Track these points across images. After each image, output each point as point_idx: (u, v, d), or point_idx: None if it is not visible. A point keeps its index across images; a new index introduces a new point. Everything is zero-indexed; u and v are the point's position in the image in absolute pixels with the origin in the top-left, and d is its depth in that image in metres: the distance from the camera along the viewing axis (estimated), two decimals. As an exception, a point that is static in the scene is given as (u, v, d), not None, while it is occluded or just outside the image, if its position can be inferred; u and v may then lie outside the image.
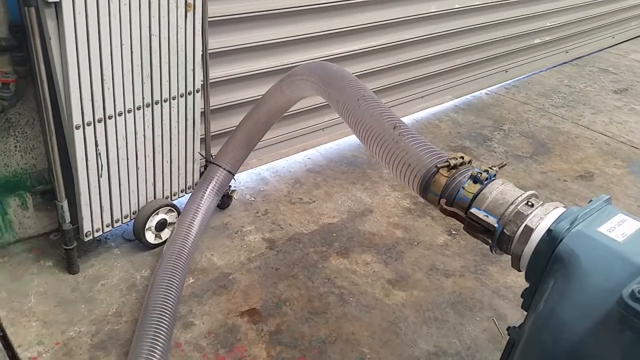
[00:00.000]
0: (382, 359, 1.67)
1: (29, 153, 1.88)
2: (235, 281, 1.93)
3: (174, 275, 1.71)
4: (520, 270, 1.09)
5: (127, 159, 1.86)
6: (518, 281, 2.01)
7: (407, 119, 3.23)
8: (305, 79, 1.82)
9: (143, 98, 1.82)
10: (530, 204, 1.10)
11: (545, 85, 4.01)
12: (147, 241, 2.00)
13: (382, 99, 2.93)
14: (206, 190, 2.09)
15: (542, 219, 1.04)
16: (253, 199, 2.42)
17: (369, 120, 1.53)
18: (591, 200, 1.04)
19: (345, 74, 1.75)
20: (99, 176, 1.80)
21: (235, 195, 2.31)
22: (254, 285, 1.92)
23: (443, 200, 1.24)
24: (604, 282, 0.87)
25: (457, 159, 1.29)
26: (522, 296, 1.06)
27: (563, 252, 0.95)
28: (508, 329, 1.09)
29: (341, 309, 1.86)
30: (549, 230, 1.00)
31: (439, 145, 3.05)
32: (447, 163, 1.28)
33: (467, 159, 1.31)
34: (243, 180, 2.54)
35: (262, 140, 2.21)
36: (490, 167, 1.24)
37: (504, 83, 3.96)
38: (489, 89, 3.84)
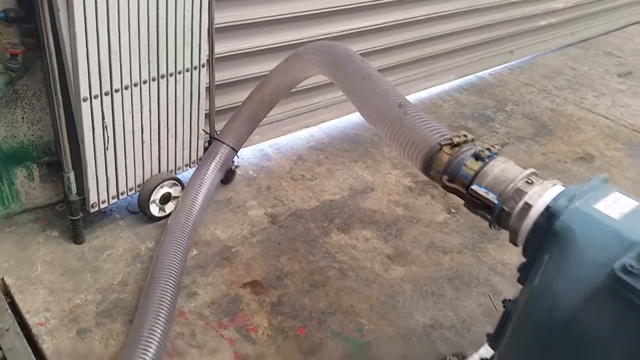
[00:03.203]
0: (380, 329, 1.72)
1: (36, 124, 1.90)
2: (238, 254, 1.97)
3: (178, 247, 1.74)
4: (517, 246, 1.12)
5: (133, 132, 1.88)
6: (514, 259, 2.05)
7: (410, 98, 3.23)
8: (311, 59, 1.83)
9: (149, 71, 1.83)
10: (530, 181, 1.13)
11: (550, 67, 4.00)
12: (151, 214, 2.03)
13: (385, 77, 2.94)
14: (210, 165, 2.12)
15: (541, 196, 1.07)
16: (256, 174, 2.45)
17: (374, 98, 1.55)
18: (590, 180, 1.07)
19: (351, 53, 1.75)
20: (105, 148, 1.82)
21: (238, 171, 2.34)
22: (256, 258, 1.96)
23: (445, 177, 1.27)
24: (599, 256, 0.90)
25: (460, 137, 1.31)
26: (518, 270, 1.09)
27: (560, 228, 0.97)
28: (504, 301, 1.12)
29: (341, 282, 1.90)
30: (547, 207, 1.02)
31: (440, 116, 3.07)
32: (451, 141, 1.30)
33: (470, 137, 1.33)
34: (246, 156, 2.56)
35: (265, 117, 2.23)
36: (492, 146, 1.26)
37: (508, 64, 3.95)
38: (493, 69, 3.84)
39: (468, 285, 1.92)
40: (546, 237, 1.00)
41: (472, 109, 3.28)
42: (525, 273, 1.05)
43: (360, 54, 1.78)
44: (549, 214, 1.01)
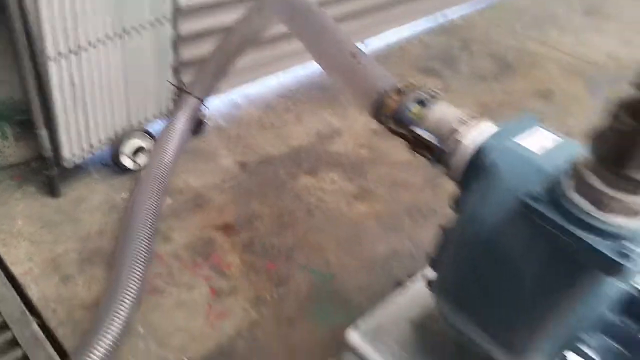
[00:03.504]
0: (345, 263, 1.87)
1: (6, 84, 1.93)
2: (211, 200, 2.08)
3: (151, 194, 1.84)
4: (456, 181, 1.24)
5: (102, 87, 1.93)
6: (472, 195, 2.19)
7: (377, 41, 3.26)
8: (270, 10, 1.87)
9: (114, 27, 1.85)
10: (465, 122, 1.23)
11: (518, 7, 4.03)
12: (123, 165, 2.11)
13: (352, 21, 2.95)
14: (179, 117, 2.17)
15: (473, 136, 1.17)
16: (226, 124, 2.52)
17: (329, 49, 1.62)
18: (518, 118, 1.17)
19: (308, 4, 1.80)
20: (75, 105, 1.87)
21: (208, 121, 2.40)
22: (228, 204, 2.07)
23: (392, 122, 1.36)
24: (518, 187, 1.01)
25: (407, 84, 1.40)
26: (454, 202, 1.21)
27: (487, 163, 1.09)
28: (441, 226, 1.25)
29: (308, 222, 2.03)
30: (478, 145, 1.13)
31: (407, 67, 3.13)
32: (397, 88, 1.39)
33: (416, 85, 1.42)
34: (215, 106, 2.61)
35: (233, 66, 2.27)
36: (434, 91, 1.35)
37: (477, 6, 3.96)
38: (461, 12, 3.85)
39: (425, 218, 2.07)
40: (476, 172, 1.11)
41: (439, 50, 3.33)
42: (458, 203, 1.17)
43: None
44: (479, 151, 1.12)
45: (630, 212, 0.84)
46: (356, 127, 2.57)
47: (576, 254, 0.87)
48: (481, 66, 3.19)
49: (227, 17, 2.37)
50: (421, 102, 1.32)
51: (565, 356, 1.10)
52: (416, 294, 1.48)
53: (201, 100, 2.25)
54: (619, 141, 0.80)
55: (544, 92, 2.97)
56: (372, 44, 3.19)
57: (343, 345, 1.38)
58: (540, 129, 1.15)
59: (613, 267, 0.83)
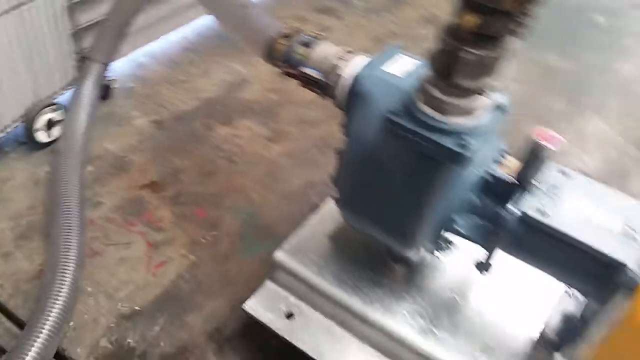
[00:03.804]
0: (267, 198, 2.07)
1: None
2: (131, 162, 2.18)
3: (71, 162, 1.92)
4: (342, 109, 1.44)
5: (2, 64, 1.94)
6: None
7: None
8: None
9: (8, 1, 1.85)
10: (343, 58, 1.42)
11: None
12: (39, 141, 2.15)
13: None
14: (85, 84, 2.21)
15: (351, 69, 1.37)
16: (134, 85, 2.57)
17: (221, 2, 1.73)
18: (384, 49, 1.38)
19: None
20: (-25, 87, 1.88)
21: (115, 85, 2.45)
22: (149, 163, 2.18)
23: (282, 64, 1.53)
24: (385, 106, 1.23)
25: (292, 29, 1.56)
26: (342, 126, 1.41)
27: (362, 91, 1.29)
28: (336, 149, 1.46)
29: (230, 168, 2.19)
30: (354, 76, 1.33)
31: (304, 8, 3.25)
32: (284, 33, 1.55)
33: (300, 29, 1.58)
34: (120, 68, 2.64)
35: (132, 25, 2.29)
36: (317, 33, 1.52)
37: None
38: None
39: (332, 148, 2.27)
40: (355, 99, 1.32)
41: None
42: (345, 127, 1.37)
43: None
44: (355, 81, 1.31)
45: (464, 112, 1.08)
46: (262, 73, 2.70)
47: (430, 152, 1.10)
48: (374, 0, 3.37)
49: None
50: (306, 44, 1.49)
51: (445, 236, 1.38)
52: (328, 212, 1.71)
53: (105, 65, 2.29)
54: (446, 58, 1.01)
55: (430, 18, 3.21)
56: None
57: (274, 266, 1.60)
58: (403, 55, 1.36)
59: (457, 157, 1.08)
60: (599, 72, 3.04)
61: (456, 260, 1.58)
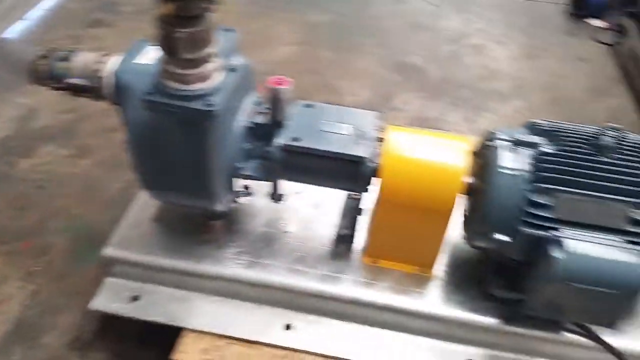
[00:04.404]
0: (90, 210, 2.17)
1: None
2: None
3: None
4: (114, 105, 1.61)
5: None
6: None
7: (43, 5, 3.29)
8: None
9: None
10: (102, 61, 1.59)
11: None
12: None
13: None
14: None
15: (109, 68, 1.54)
16: None
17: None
18: (133, 45, 1.57)
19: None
20: None
21: None
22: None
23: (51, 82, 1.65)
24: (143, 91, 1.44)
25: (48, 49, 1.67)
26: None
27: (123, 84, 1.48)
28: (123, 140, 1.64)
29: (43, 194, 2.24)
30: (114, 73, 1.51)
31: (74, 24, 3.27)
32: (41, 55, 1.66)
33: (56, 47, 1.69)
34: None
35: None
36: (70, 47, 1.66)
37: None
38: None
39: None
40: (120, 93, 1.50)
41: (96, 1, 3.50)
42: (123, 119, 1.55)
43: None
44: (116, 78, 1.50)
45: (202, 78, 1.34)
46: (49, 98, 2.69)
47: (187, 117, 1.35)
48: (142, 2, 3.47)
49: None
50: (64, 59, 1.63)
51: (238, 183, 1.65)
52: (144, 199, 1.88)
53: None
54: (167, 40, 1.26)
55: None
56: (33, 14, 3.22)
57: (107, 263, 1.74)
58: (150, 47, 1.57)
59: (207, 115, 1.34)
60: (354, 18, 3.55)
61: (261, 200, 1.87)
